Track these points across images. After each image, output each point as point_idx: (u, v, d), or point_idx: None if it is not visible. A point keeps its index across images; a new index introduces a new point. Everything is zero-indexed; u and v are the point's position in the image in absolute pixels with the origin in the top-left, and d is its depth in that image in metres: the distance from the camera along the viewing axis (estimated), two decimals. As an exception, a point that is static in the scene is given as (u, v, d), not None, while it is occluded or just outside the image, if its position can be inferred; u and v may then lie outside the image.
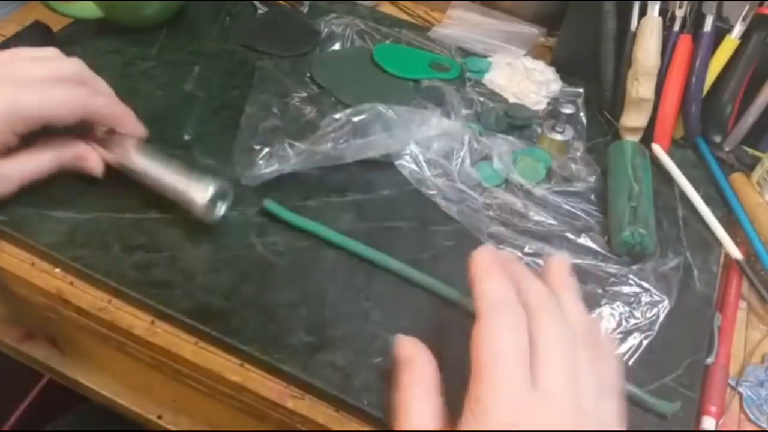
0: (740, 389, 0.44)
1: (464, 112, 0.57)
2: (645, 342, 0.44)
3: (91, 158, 0.44)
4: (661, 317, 0.45)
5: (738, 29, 0.55)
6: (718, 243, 0.51)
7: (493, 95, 0.61)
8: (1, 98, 0.39)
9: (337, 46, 0.64)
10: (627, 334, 0.44)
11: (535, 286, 0.33)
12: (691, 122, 0.57)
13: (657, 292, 0.46)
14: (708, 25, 0.55)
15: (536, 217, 0.49)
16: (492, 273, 0.33)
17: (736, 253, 0.50)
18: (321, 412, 0.39)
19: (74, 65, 0.44)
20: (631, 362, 0.42)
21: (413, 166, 0.52)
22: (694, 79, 0.55)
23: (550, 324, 0.31)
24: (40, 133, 0.42)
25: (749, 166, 0.57)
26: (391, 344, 0.34)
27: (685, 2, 0.55)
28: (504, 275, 0.33)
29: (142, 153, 0.44)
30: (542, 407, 0.28)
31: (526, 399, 0.28)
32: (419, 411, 0.31)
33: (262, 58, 0.61)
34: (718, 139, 0.59)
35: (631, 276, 0.47)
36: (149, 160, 0.43)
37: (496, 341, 0.29)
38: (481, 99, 0.60)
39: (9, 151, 0.41)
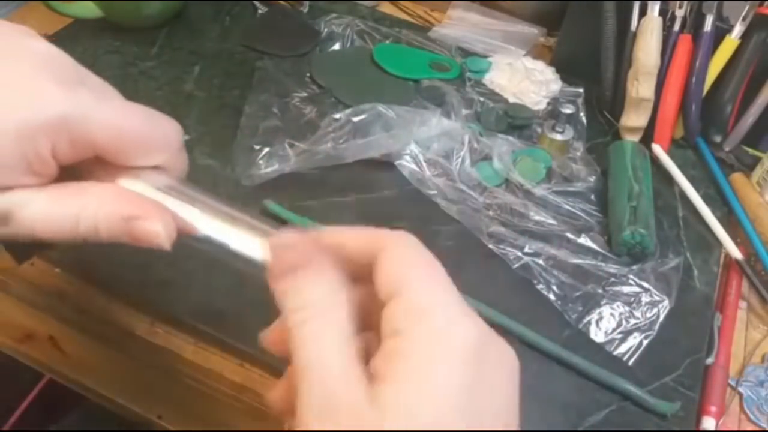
0: (740, 389, 0.44)
1: (464, 112, 0.57)
2: (645, 342, 0.44)
3: (155, 217, 0.25)
4: (661, 317, 0.45)
5: (738, 29, 0.55)
6: (718, 243, 0.51)
7: (493, 95, 0.61)
8: (58, 100, 0.24)
9: (337, 46, 0.64)
10: (627, 334, 0.44)
11: None
12: (691, 122, 0.57)
13: (657, 292, 0.46)
14: (708, 25, 0.55)
15: (536, 217, 0.49)
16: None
17: (736, 253, 0.50)
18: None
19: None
20: (631, 362, 0.42)
21: (413, 166, 0.52)
22: (694, 79, 0.55)
23: None
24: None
25: (749, 166, 0.57)
26: None
27: (685, 2, 0.55)
28: None
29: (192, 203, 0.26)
30: None
31: None
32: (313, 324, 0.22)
33: (262, 58, 0.61)
34: (718, 139, 0.59)
35: (631, 276, 0.47)
36: (204, 213, 0.26)
37: None
38: (481, 99, 0.60)
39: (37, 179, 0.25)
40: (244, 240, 0.26)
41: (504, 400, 0.22)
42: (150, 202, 0.25)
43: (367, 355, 0.22)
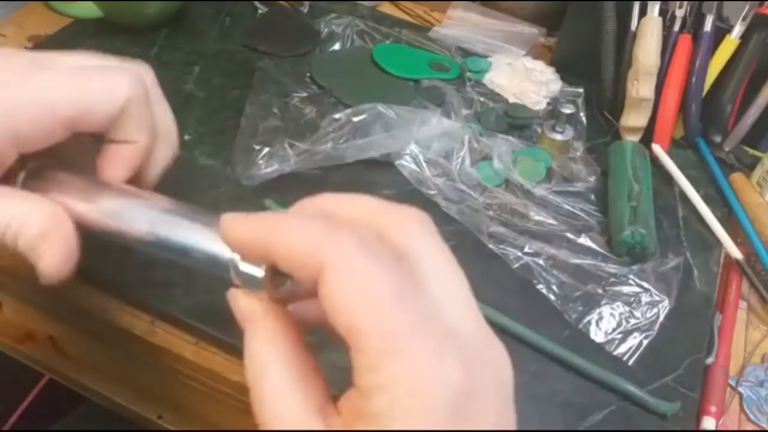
0: (740, 389, 0.44)
1: (464, 112, 0.57)
2: (645, 342, 0.44)
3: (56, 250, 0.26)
4: (661, 317, 0.45)
5: (738, 29, 0.55)
6: (718, 243, 0.51)
7: (493, 95, 0.61)
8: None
9: (337, 46, 0.64)
10: (627, 334, 0.44)
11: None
12: (691, 122, 0.57)
13: (657, 292, 0.46)
14: (708, 25, 0.55)
15: (536, 217, 0.49)
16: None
17: (736, 253, 0.50)
18: (321, 412, 0.39)
19: (144, 67, 0.30)
20: (631, 362, 0.42)
21: (413, 166, 0.52)
22: (694, 79, 0.55)
23: None
24: None
25: (749, 166, 0.57)
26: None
27: (685, 2, 0.55)
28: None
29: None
30: None
31: None
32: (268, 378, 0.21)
33: (262, 58, 0.61)
34: (718, 139, 0.59)
35: (631, 276, 0.47)
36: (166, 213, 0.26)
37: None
38: (481, 99, 0.60)
39: None
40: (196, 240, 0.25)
41: (496, 424, 0.20)
42: (61, 231, 0.26)
43: None
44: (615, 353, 0.43)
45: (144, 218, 0.26)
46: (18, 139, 0.24)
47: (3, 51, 0.27)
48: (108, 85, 0.26)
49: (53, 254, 0.25)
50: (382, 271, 0.19)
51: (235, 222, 0.21)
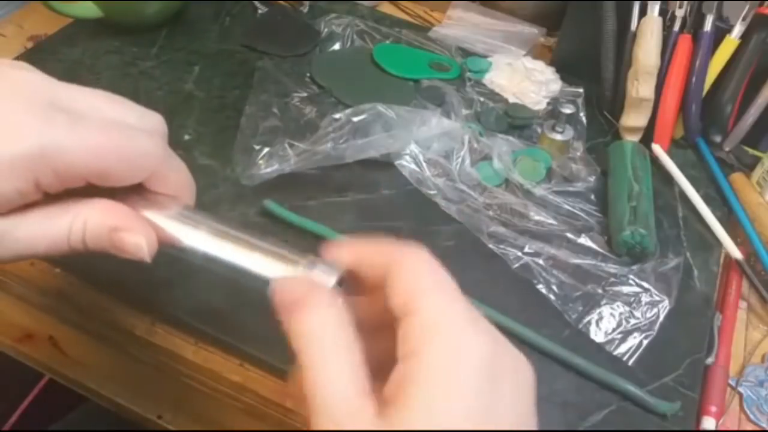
0: (740, 389, 0.44)
1: (464, 112, 0.57)
2: (645, 342, 0.44)
3: (139, 230, 0.27)
4: (661, 317, 0.45)
5: (738, 29, 0.55)
6: (718, 243, 0.51)
7: (493, 95, 0.61)
8: (29, 132, 0.24)
9: (337, 46, 0.64)
10: (627, 334, 0.44)
11: None
12: (691, 122, 0.57)
13: (657, 292, 0.46)
14: (708, 25, 0.55)
15: (536, 217, 0.49)
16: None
17: (736, 253, 0.50)
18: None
19: (160, 119, 0.30)
20: (631, 362, 0.42)
21: (413, 166, 0.52)
22: (694, 79, 0.55)
23: None
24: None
25: (749, 166, 0.57)
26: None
27: (685, 2, 0.55)
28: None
29: (201, 225, 0.28)
30: None
31: None
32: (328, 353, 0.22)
33: (262, 58, 0.61)
34: (718, 139, 0.59)
35: (631, 276, 0.47)
36: (214, 237, 0.28)
37: None
38: (481, 99, 0.60)
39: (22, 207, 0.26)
40: (254, 261, 0.28)
41: (519, 415, 0.22)
42: (134, 216, 0.27)
43: (381, 370, 0.22)
44: (615, 353, 0.43)
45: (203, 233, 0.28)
46: (40, 186, 0.25)
47: (14, 75, 0.25)
48: (134, 156, 0.27)
49: (132, 235, 0.26)
50: (436, 268, 0.24)
51: (335, 245, 0.27)
